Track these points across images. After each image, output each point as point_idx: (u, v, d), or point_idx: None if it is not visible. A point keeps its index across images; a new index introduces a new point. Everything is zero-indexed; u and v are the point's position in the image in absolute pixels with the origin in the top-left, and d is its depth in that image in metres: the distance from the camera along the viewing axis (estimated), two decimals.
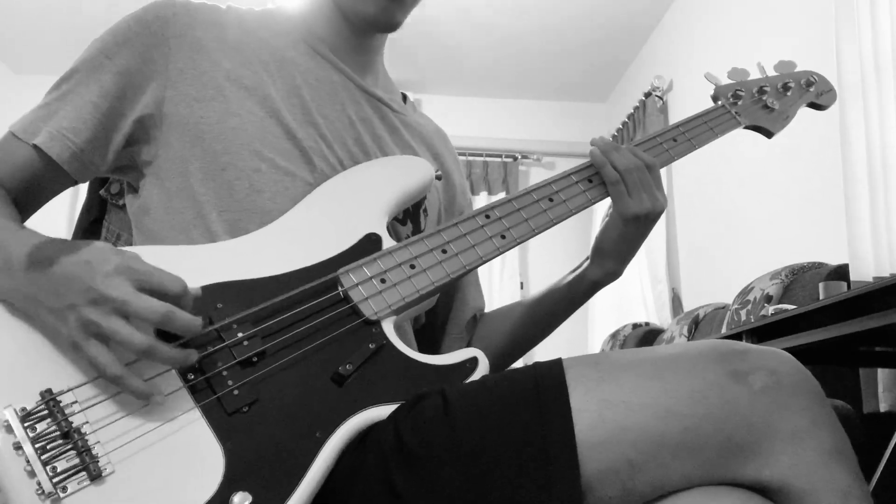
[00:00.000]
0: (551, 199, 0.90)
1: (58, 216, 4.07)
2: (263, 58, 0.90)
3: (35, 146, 0.83)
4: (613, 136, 4.38)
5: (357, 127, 0.93)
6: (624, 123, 4.23)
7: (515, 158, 4.80)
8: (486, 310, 1.09)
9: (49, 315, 0.66)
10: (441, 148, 1.06)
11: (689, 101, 3.61)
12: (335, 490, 0.67)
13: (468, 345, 1.04)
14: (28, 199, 0.85)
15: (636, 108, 4.09)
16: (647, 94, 3.92)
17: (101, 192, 1.12)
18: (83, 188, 1.03)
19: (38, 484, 0.60)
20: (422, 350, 0.85)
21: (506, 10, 3.95)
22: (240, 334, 0.71)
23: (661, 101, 3.83)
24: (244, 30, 0.92)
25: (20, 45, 4.30)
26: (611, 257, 0.95)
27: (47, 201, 0.88)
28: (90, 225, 1.11)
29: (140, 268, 0.66)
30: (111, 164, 0.88)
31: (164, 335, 0.67)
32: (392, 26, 0.93)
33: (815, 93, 1.11)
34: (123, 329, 0.64)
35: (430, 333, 1.03)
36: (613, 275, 0.96)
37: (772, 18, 2.89)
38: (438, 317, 1.04)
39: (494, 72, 4.57)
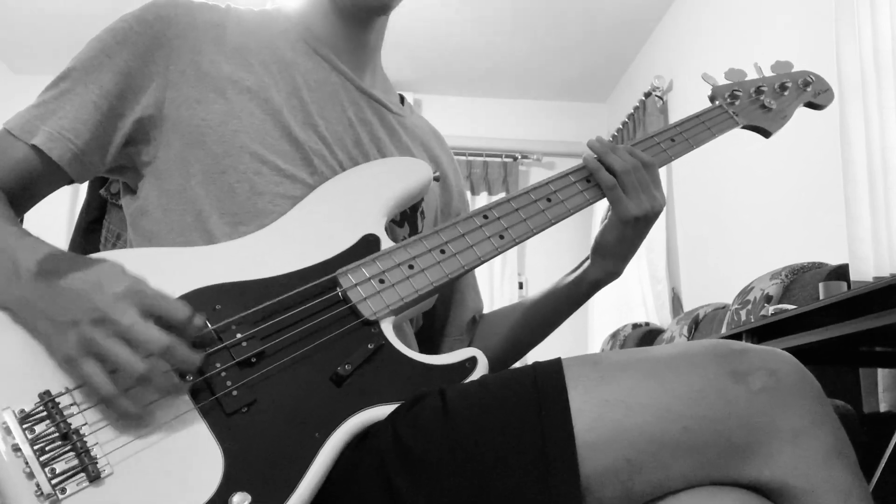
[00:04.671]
0: (549, 199, 0.90)
1: (58, 216, 4.07)
2: (264, 59, 0.90)
3: (34, 146, 0.82)
4: (613, 136, 4.38)
5: (356, 128, 0.93)
6: (624, 123, 4.23)
7: (515, 158, 4.80)
8: (486, 310, 1.09)
9: (48, 326, 0.66)
10: (438, 150, 1.06)
11: (689, 101, 3.61)
12: (334, 490, 0.67)
13: (469, 346, 1.04)
14: (23, 197, 0.84)
15: (636, 108, 4.08)
16: (647, 94, 3.91)
17: (101, 191, 1.12)
18: (83, 187, 1.02)
19: (38, 485, 0.60)
20: (422, 351, 0.85)
21: (506, 10, 3.95)
22: (238, 335, 0.71)
23: (661, 101, 3.82)
24: (244, 30, 0.91)
25: (20, 45, 4.30)
26: (611, 257, 0.95)
27: (42, 199, 0.87)
28: (90, 224, 1.11)
29: (148, 292, 0.66)
30: (110, 165, 0.87)
31: None
32: (383, 7, 0.93)
33: (813, 92, 1.11)
34: (124, 354, 0.63)
35: (429, 335, 1.03)
36: (613, 274, 0.96)
37: (772, 18, 2.89)
38: (437, 318, 1.04)
39: (494, 72, 4.57)
